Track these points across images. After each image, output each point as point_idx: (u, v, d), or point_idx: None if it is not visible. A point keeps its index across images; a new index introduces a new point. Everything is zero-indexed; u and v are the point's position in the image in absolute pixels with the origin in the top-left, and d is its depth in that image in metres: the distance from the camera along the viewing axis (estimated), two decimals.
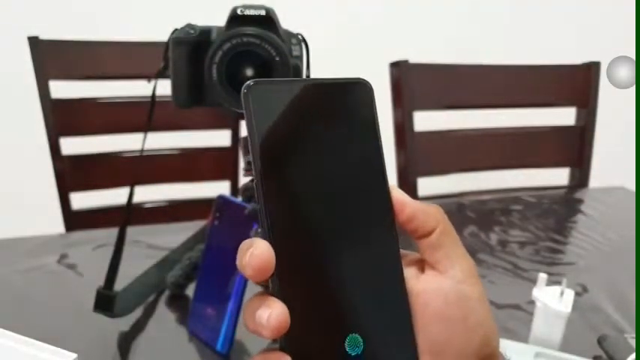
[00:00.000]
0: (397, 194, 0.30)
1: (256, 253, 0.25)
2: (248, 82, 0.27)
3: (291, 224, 0.26)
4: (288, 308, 0.25)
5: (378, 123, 0.30)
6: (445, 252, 0.29)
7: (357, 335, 0.27)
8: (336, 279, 0.27)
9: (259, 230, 0.27)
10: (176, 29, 0.55)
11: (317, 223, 0.27)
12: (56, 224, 1.04)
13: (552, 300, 0.55)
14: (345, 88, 0.30)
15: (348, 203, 0.28)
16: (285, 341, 0.25)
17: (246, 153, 0.52)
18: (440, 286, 0.28)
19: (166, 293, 0.68)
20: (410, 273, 0.29)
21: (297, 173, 0.27)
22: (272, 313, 0.24)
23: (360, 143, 0.29)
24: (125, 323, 0.61)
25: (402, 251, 0.29)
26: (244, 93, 0.27)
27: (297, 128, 0.27)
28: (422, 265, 0.29)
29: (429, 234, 0.29)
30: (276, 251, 0.25)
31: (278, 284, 0.25)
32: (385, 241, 0.29)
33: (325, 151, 0.28)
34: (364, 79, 0.30)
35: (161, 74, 0.58)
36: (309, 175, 0.27)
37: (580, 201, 1.10)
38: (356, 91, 0.30)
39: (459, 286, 0.28)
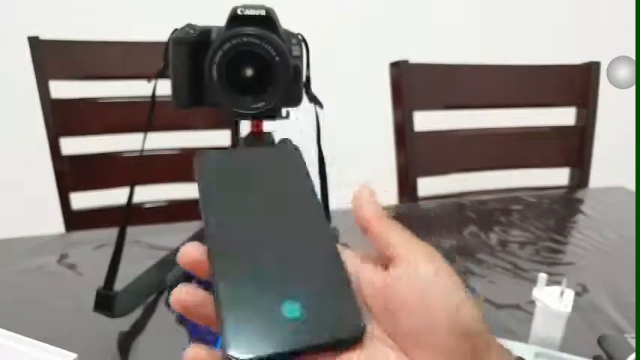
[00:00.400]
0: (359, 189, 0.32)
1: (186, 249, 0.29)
2: (199, 152, 0.34)
3: (228, 221, 0.31)
4: (224, 282, 0.28)
5: (308, 174, 0.34)
6: (389, 239, 0.30)
7: (294, 299, 0.27)
8: (269, 249, 0.30)
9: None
10: (176, 29, 0.55)
11: (252, 225, 0.31)
12: (56, 224, 1.04)
13: (552, 300, 0.55)
14: (277, 153, 0.36)
15: (287, 223, 0.31)
16: (222, 311, 0.27)
17: None
18: (395, 273, 0.28)
19: (166, 293, 0.68)
20: (375, 275, 0.29)
21: (237, 211, 0.31)
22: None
23: (297, 193, 0.33)
24: (125, 323, 0.61)
25: (360, 252, 0.31)
26: (194, 159, 0.33)
27: (237, 185, 0.33)
28: (380, 262, 0.30)
29: (371, 224, 0.31)
30: (211, 234, 0.29)
31: (213, 262, 0.28)
32: (316, 227, 0.31)
33: (265, 202, 0.32)
34: (290, 145, 0.36)
35: (161, 74, 0.58)
36: (251, 224, 0.31)
37: (580, 201, 1.10)
38: (287, 153, 0.35)
39: (410, 267, 0.28)
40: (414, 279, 0.28)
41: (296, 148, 0.35)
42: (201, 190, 0.32)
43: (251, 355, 0.26)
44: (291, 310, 0.27)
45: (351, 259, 0.30)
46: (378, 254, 0.30)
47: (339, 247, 0.31)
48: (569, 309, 0.55)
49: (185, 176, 1.12)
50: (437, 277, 0.28)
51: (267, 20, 0.52)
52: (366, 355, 0.27)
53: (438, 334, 0.26)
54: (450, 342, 0.26)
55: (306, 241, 0.31)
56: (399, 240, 0.30)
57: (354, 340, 0.27)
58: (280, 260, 0.29)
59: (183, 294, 0.28)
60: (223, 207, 0.31)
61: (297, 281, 0.28)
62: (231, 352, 0.26)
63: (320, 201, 0.33)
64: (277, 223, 0.31)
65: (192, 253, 0.29)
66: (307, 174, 0.34)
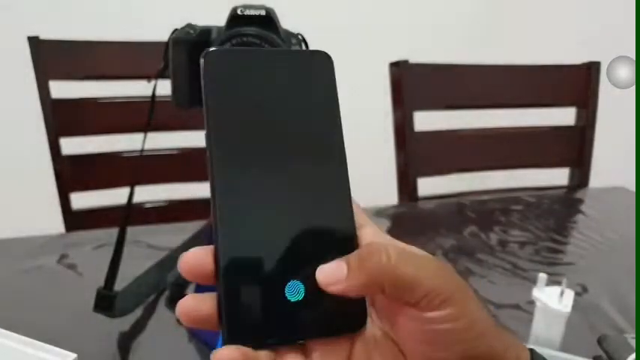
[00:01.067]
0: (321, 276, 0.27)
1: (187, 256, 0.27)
2: (207, 50, 0.28)
3: (237, 177, 0.27)
4: (225, 259, 0.26)
5: (336, 93, 0.29)
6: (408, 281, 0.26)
7: (297, 281, 0.27)
8: (278, 226, 0.27)
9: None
10: (176, 29, 0.55)
11: (263, 175, 0.27)
12: (56, 224, 1.04)
13: (552, 300, 0.55)
14: (305, 59, 0.30)
15: (299, 163, 0.28)
16: (223, 293, 0.26)
17: None
18: (415, 322, 0.27)
19: (166, 293, 0.68)
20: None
21: (247, 135, 0.27)
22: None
23: (317, 110, 0.29)
24: (125, 323, 0.61)
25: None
26: (203, 59, 0.28)
27: (250, 94, 0.28)
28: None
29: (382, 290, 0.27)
30: (219, 202, 0.27)
31: (215, 238, 0.26)
32: (335, 197, 0.28)
33: (278, 115, 0.28)
34: (324, 51, 0.30)
35: (161, 74, 0.58)
36: (259, 137, 0.28)
37: (580, 201, 1.10)
38: (315, 62, 0.30)
39: (423, 317, 0.26)
40: (428, 328, 0.26)
41: (328, 57, 0.30)
42: (206, 111, 0.28)
43: (250, 345, 0.26)
44: (295, 292, 0.27)
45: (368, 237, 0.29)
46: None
47: (355, 210, 0.29)
48: (569, 309, 0.55)
49: (185, 176, 1.12)
50: (451, 319, 0.26)
51: (267, 20, 0.52)
52: (366, 345, 0.27)
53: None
54: None
55: (318, 206, 0.28)
56: (414, 275, 0.26)
57: (355, 328, 0.27)
58: (288, 233, 0.27)
59: (190, 303, 0.27)
60: (229, 139, 0.27)
61: (305, 257, 0.27)
62: (233, 342, 0.26)
63: (341, 131, 0.29)
64: (291, 173, 0.28)
65: (192, 261, 0.27)
66: (334, 90, 0.29)
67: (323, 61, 0.30)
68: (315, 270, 0.26)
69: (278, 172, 0.28)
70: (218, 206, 0.27)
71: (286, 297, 0.26)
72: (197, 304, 0.27)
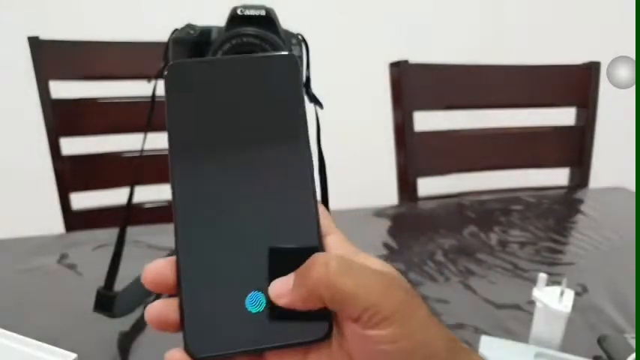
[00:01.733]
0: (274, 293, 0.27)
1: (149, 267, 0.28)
2: (169, 64, 0.29)
3: (198, 187, 0.28)
4: (186, 268, 0.27)
5: (301, 96, 0.29)
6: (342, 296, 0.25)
7: (258, 292, 0.27)
8: (240, 236, 0.27)
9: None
10: (176, 29, 0.55)
11: (226, 185, 0.28)
12: (56, 224, 1.04)
13: (552, 300, 0.55)
14: (268, 63, 0.30)
15: (262, 171, 0.28)
16: (184, 302, 0.26)
17: None
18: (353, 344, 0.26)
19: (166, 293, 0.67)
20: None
21: (207, 145, 0.28)
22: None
23: (280, 115, 0.28)
24: (125, 323, 0.61)
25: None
26: (165, 75, 0.28)
27: (212, 103, 0.28)
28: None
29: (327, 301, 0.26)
30: (179, 219, 0.28)
31: (177, 247, 0.27)
32: (299, 206, 0.28)
33: (239, 123, 0.28)
34: (289, 54, 0.30)
35: (161, 74, 0.58)
36: (220, 146, 0.28)
37: (580, 201, 1.10)
38: (278, 66, 0.29)
39: (366, 338, 0.25)
40: (373, 351, 0.25)
41: (293, 58, 0.29)
42: (169, 122, 0.28)
43: (208, 354, 0.26)
44: (256, 303, 0.26)
45: (335, 245, 0.28)
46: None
47: (321, 217, 0.28)
48: (569, 309, 0.55)
49: None
50: (396, 343, 0.25)
51: (267, 20, 0.52)
52: (320, 355, 0.27)
53: None
54: None
55: (282, 215, 0.28)
56: (354, 288, 0.25)
57: (318, 339, 0.27)
58: (250, 241, 0.27)
59: (159, 307, 0.27)
60: (192, 148, 0.28)
61: (267, 268, 0.27)
62: (191, 350, 0.26)
63: (307, 133, 0.29)
64: (254, 180, 0.28)
65: (153, 273, 0.28)
66: (300, 94, 0.29)
67: (287, 65, 0.29)
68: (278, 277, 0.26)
69: (241, 181, 0.28)
70: (178, 216, 0.28)
71: (247, 308, 0.26)
72: (165, 309, 0.27)
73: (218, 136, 0.28)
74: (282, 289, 0.26)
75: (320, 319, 0.26)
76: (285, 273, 0.26)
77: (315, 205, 0.28)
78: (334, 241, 0.28)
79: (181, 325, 0.26)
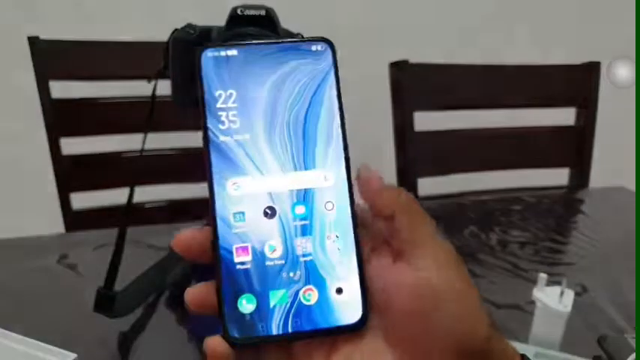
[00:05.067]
0: (364, 173, 0.29)
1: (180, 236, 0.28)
2: (202, 47, 0.29)
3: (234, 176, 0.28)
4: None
5: (338, 82, 0.29)
6: (407, 237, 0.27)
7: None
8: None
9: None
10: (176, 29, 0.55)
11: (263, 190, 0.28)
12: (56, 224, 1.04)
13: (552, 300, 0.55)
14: (305, 48, 0.30)
15: (297, 164, 0.28)
16: (222, 291, 0.27)
17: None
18: (403, 278, 0.27)
19: (166, 293, 0.68)
20: (382, 263, 0.28)
21: (244, 130, 0.28)
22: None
23: (318, 102, 0.29)
24: (125, 323, 0.61)
25: (380, 236, 0.29)
26: (198, 56, 0.29)
27: (248, 87, 0.29)
28: (395, 254, 0.28)
29: (388, 217, 0.28)
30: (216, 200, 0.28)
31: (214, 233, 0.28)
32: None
33: (278, 109, 0.29)
34: (325, 38, 0.30)
35: (161, 74, 0.58)
36: (258, 136, 0.28)
37: (580, 201, 1.10)
38: (316, 51, 0.30)
39: (424, 278, 0.26)
40: (426, 290, 0.26)
41: (329, 43, 0.30)
42: (204, 106, 0.28)
43: (246, 341, 0.26)
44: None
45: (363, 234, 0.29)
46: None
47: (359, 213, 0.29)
48: (569, 309, 0.55)
49: (185, 176, 1.12)
50: (453, 293, 0.26)
51: (267, 20, 0.52)
52: (363, 351, 0.27)
53: (443, 351, 0.26)
54: (453, 358, 0.26)
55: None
56: (420, 238, 0.28)
57: (353, 329, 0.27)
58: (287, 232, 0.28)
59: (200, 290, 0.28)
60: (228, 130, 0.28)
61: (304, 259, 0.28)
62: (229, 337, 0.26)
63: (343, 124, 0.29)
64: (290, 167, 0.28)
65: (190, 239, 0.29)
66: (336, 76, 0.29)
67: (324, 49, 0.30)
68: (322, 277, 0.27)
69: (276, 164, 0.28)
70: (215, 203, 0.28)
71: (283, 297, 0.27)
72: (205, 292, 0.28)
73: (255, 119, 0.28)
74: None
75: (358, 309, 0.27)
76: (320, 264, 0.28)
77: (350, 199, 0.29)
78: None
79: (219, 312, 0.27)
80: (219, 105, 0.28)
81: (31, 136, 1.14)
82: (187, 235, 0.28)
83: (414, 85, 1.10)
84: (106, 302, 0.59)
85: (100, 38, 1.04)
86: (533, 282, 0.58)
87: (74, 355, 0.42)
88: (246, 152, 0.28)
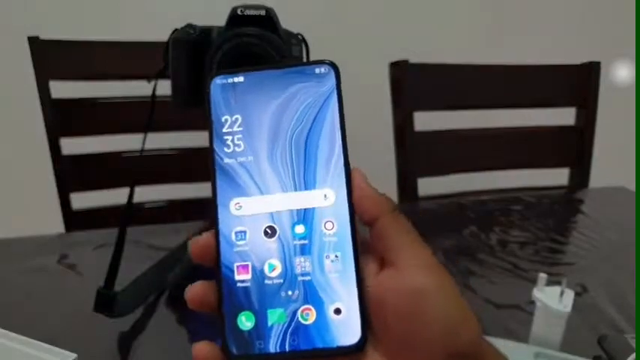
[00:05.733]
0: (354, 176, 0.29)
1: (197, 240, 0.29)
2: (212, 74, 0.31)
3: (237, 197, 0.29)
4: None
5: (341, 102, 0.30)
6: (391, 242, 0.28)
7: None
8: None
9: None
10: (176, 29, 0.55)
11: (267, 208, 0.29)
12: (56, 224, 1.04)
13: (552, 300, 0.55)
14: (309, 71, 0.31)
15: (298, 184, 0.29)
16: (223, 304, 0.28)
17: None
18: (393, 281, 0.27)
19: (166, 293, 0.68)
20: (371, 270, 0.28)
21: (249, 152, 0.29)
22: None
23: (320, 123, 0.30)
24: (125, 323, 0.61)
25: (366, 244, 0.29)
26: (207, 84, 0.30)
27: (253, 111, 0.30)
28: (380, 261, 0.29)
29: (372, 221, 0.28)
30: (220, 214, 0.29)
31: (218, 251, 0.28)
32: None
33: (281, 132, 0.30)
34: (329, 61, 0.31)
35: (161, 74, 0.58)
36: (261, 158, 0.29)
37: (580, 201, 1.10)
38: (319, 73, 0.31)
39: (410, 278, 0.27)
40: (412, 291, 0.26)
41: (333, 66, 0.31)
42: (211, 127, 0.30)
43: (244, 354, 0.26)
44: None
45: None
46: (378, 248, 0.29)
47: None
48: (569, 309, 0.55)
49: (185, 176, 1.12)
50: (438, 293, 0.27)
51: (267, 20, 0.52)
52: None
53: (432, 352, 0.26)
54: (440, 358, 0.26)
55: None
56: (403, 242, 0.28)
57: (351, 351, 0.27)
58: (289, 246, 0.28)
59: (200, 288, 0.28)
60: (233, 152, 0.29)
61: (305, 275, 0.28)
62: (228, 349, 0.27)
63: (345, 144, 0.30)
64: (292, 184, 0.29)
65: (203, 244, 0.29)
66: (339, 100, 0.30)
67: (328, 72, 0.31)
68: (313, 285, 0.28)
69: (279, 185, 0.29)
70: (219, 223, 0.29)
71: (284, 314, 0.27)
72: (204, 291, 0.28)
73: (259, 142, 0.30)
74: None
75: (358, 330, 0.27)
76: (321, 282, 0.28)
77: (351, 217, 0.29)
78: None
79: (220, 327, 0.27)
80: (225, 129, 0.30)
81: (31, 136, 1.14)
82: (205, 241, 0.29)
83: (414, 85, 1.10)
84: (106, 302, 0.59)
85: (100, 38, 1.04)
86: (533, 282, 0.58)
87: (74, 355, 0.42)
88: (250, 173, 0.29)
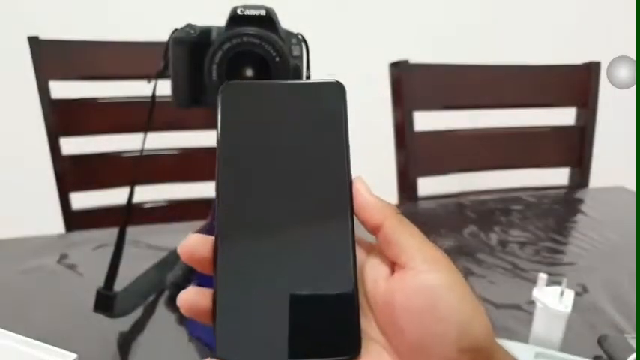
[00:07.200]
0: (356, 184, 0.30)
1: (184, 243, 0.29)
2: (225, 83, 0.31)
3: (243, 218, 0.29)
4: (224, 281, 0.28)
5: (345, 120, 0.31)
6: (399, 245, 0.28)
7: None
8: (278, 241, 0.28)
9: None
10: (176, 29, 0.55)
11: (268, 217, 0.29)
12: (56, 224, 1.04)
13: (552, 300, 0.55)
14: (316, 89, 0.31)
15: (304, 200, 0.29)
16: (218, 312, 0.28)
17: None
18: (403, 281, 0.27)
19: (166, 293, 0.68)
20: (382, 274, 0.29)
21: (254, 170, 0.29)
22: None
23: (325, 140, 0.30)
24: (125, 323, 0.61)
25: (366, 241, 0.30)
26: (220, 91, 0.30)
27: (260, 127, 0.30)
28: (391, 265, 0.29)
29: (378, 227, 0.29)
30: (222, 243, 0.28)
31: (216, 258, 0.28)
32: (336, 236, 0.29)
33: (286, 147, 0.30)
34: (336, 80, 0.31)
35: (161, 74, 0.58)
36: (266, 172, 0.29)
37: (580, 201, 1.10)
38: (326, 91, 0.31)
39: (421, 276, 0.27)
40: (424, 289, 0.27)
41: (340, 86, 0.31)
42: (219, 141, 0.30)
43: None
44: (289, 314, 0.27)
45: (357, 249, 0.29)
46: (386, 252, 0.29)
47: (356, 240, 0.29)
48: (569, 309, 0.55)
49: (185, 176, 1.12)
50: (450, 289, 0.27)
51: (267, 20, 0.52)
52: None
53: (445, 347, 0.26)
54: (456, 355, 0.26)
55: (321, 232, 0.29)
56: (411, 244, 0.28)
57: (348, 353, 0.27)
58: (287, 259, 0.28)
59: (192, 295, 0.28)
60: (238, 164, 0.30)
61: (302, 286, 0.28)
62: (220, 356, 0.26)
63: (348, 162, 0.30)
64: (294, 199, 0.29)
65: (194, 246, 0.29)
66: (344, 119, 0.31)
67: (334, 91, 0.31)
68: (310, 296, 0.27)
69: (282, 205, 0.29)
70: (221, 236, 0.28)
71: (280, 319, 0.27)
72: (197, 297, 0.28)
73: (263, 156, 0.30)
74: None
75: (349, 334, 0.27)
76: (317, 292, 0.28)
77: (351, 232, 0.29)
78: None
79: (214, 331, 0.27)
80: (232, 141, 0.30)
81: (31, 136, 1.14)
82: (191, 243, 0.29)
83: (414, 85, 1.10)
84: (106, 302, 0.59)
85: (100, 38, 1.04)
86: (533, 282, 0.58)
87: (74, 355, 0.42)
88: (253, 182, 0.29)
